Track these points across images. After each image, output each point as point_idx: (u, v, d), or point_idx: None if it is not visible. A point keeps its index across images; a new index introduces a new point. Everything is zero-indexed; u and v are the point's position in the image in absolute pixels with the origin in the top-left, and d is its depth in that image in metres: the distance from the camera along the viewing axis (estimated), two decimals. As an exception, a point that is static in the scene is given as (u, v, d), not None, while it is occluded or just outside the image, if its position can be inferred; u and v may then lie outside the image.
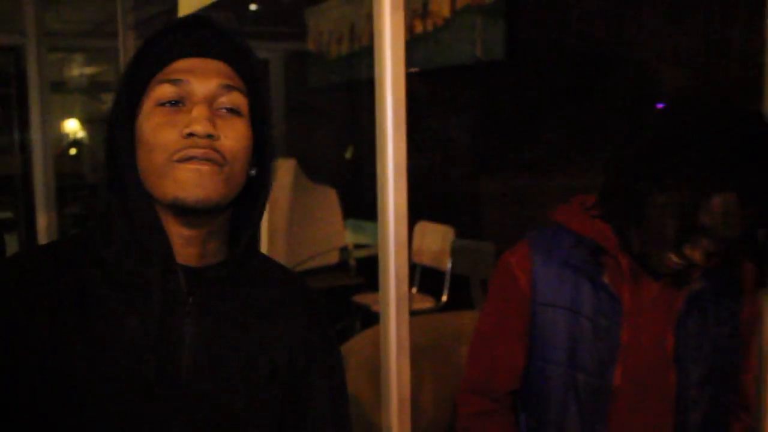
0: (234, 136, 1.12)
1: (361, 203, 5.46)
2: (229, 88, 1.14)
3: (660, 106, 1.67)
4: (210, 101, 1.12)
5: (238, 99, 1.15)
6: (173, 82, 1.12)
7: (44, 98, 5.73)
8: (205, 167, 1.08)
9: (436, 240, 5.13)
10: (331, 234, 5.04)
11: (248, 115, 1.17)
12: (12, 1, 5.71)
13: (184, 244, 1.15)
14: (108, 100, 6.71)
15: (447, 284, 5.03)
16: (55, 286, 1.11)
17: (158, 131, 1.09)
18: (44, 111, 5.75)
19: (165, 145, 1.08)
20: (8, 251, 5.78)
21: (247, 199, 1.20)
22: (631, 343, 1.58)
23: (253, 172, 1.19)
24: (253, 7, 6.43)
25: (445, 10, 5.20)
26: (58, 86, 6.50)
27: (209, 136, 1.08)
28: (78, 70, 6.96)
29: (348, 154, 6.52)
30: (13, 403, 1.08)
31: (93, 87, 6.88)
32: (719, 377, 1.62)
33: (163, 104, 1.11)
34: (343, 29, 6.43)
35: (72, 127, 6.81)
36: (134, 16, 4.57)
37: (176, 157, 1.08)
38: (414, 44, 5.39)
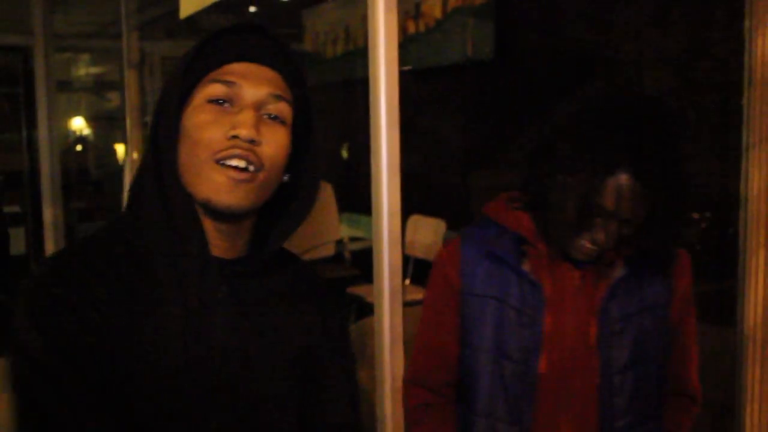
0: (275, 144, 1.13)
1: (357, 198, 5.45)
2: (277, 97, 1.14)
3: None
4: (258, 107, 1.12)
5: (284, 109, 1.15)
6: (226, 83, 1.12)
7: (51, 97, 5.71)
8: (244, 174, 1.09)
9: (429, 233, 5.13)
10: (328, 227, 5.03)
11: (291, 126, 1.17)
12: (21, 4, 5.69)
13: (215, 237, 1.16)
14: (113, 98, 6.70)
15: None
16: (101, 280, 1.10)
17: (204, 128, 1.10)
18: (51, 109, 5.73)
19: (208, 143, 1.09)
20: (16, 244, 5.78)
21: (276, 200, 1.20)
22: (554, 331, 1.57)
23: (286, 178, 1.20)
24: (252, 9, 6.41)
25: (437, 12, 5.20)
26: (65, 85, 6.48)
27: (251, 141, 1.09)
28: (84, 70, 6.93)
29: (344, 152, 6.51)
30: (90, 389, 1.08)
31: (98, 86, 6.86)
32: (642, 363, 1.60)
33: (212, 101, 1.12)
34: (339, 30, 6.41)
35: (78, 124, 6.79)
36: (137, 18, 4.56)
37: (217, 156, 1.09)
38: (407, 44, 5.38)
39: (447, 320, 1.68)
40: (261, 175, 1.12)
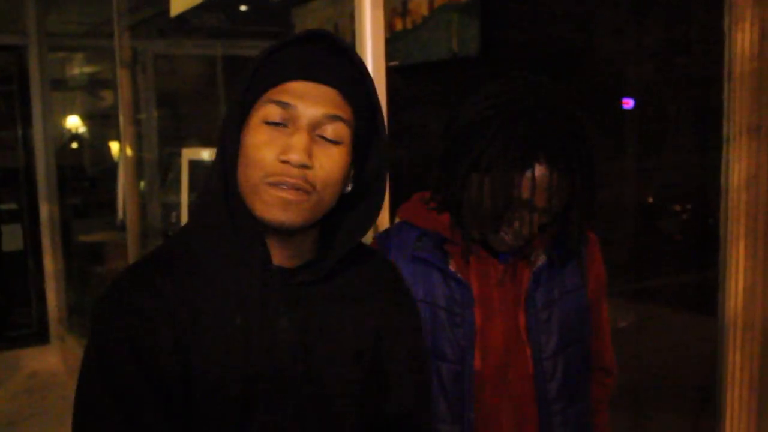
0: (329, 167, 1.11)
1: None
2: (333, 118, 1.12)
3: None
4: (313, 128, 1.11)
5: (341, 129, 1.12)
6: (281, 104, 1.10)
7: (46, 95, 5.69)
8: (292, 196, 1.09)
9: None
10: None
11: (350, 142, 1.15)
12: (15, 4, 5.65)
13: (276, 247, 1.17)
14: (106, 96, 6.66)
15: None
16: (168, 298, 1.12)
17: (258, 149, 1.09)
18: (46, 107, 5.71)
19: (261, 165, 1.09)
20: (14, 241, 5.75)
21: (343, 204, 1.19)
22: (485, 326, 1.56)
23: (348, 188, 1.19)
24: (243, 7, 6.38)
25: (424, 9, 5.19)
26: (59, 84, 6.43)
27: (303, 166, 1.08)
28: (78, 69, 6.89)
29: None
30: (156, 409, 1.11)
31: (92, 84, 6.82)
32: (570, 346, 1.60)
33: (268, 123, 1.10)
34: (328, 28, 6.40)
35: (73, 122, 6.75)
36: (129, 18, 4.53)
37: (269, 180, 1.09)
38: (394, 41, 5.38)
39: None
40: (313, 197, 1.11)
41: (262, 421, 1.14)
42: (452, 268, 1.56)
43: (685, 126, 3.62)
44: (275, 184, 1.08)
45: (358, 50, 1.69)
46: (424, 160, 5.44)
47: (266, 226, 1.12)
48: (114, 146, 6.20)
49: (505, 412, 1.58)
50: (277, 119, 1.10)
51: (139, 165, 4.96)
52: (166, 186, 4.72)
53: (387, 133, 1.21)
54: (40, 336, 5.85)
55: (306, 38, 1.15)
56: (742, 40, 2.16)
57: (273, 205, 1.09)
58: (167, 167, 4.99)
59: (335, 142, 1.12)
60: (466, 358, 1.56)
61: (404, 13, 5.37)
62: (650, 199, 4.03)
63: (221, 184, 1.15)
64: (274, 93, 1.11)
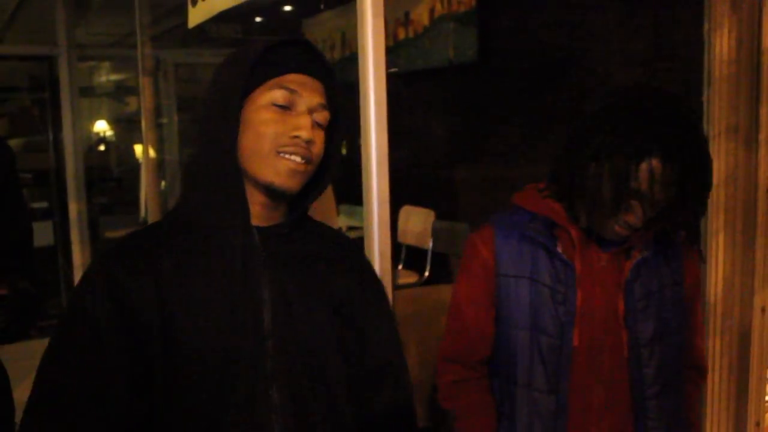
0: (319, 144, 1.25)
1: (354, 190, 5.43)
2: (323, 106, 1.26)
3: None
4: (310, 113, 1.24)
5: (326, 116, 1.27)
6: (290, 90, 1.22)
7: (75, 102, 5.69)
8: (300, 166, 1.21)
9: (419, 222, 5.11)
10: (326, 217, 5.01)
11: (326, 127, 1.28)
12: (46, 17, 5.67)
13: (259, 209, 1.26)
14: (131, 102, 6.67)
15: (429, 261, 5.01)
16: (154, 261, 1.20)
17: (270, 125, 1.20)
18: (75, 113, 5.72)
19: (274, 138, 1.20)
20: (45, 236, 5.76)
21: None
22: (585, 307, 1.56)
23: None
24: (257, 19, 6.39)
25: (425, 19, 5.18)
26: (87, 91, 6.45)
27: (309, 141, 1.21)
28: (104, 77, 6.90)
29: (343, 149, 6.50)
30: (142, 368, 1.18)
31: (117, 91, 6.84)
32: (667, 336, 1.60)
33: (276, 105, 1.22)
34: (336, 37, 6.39)
35: (100, 126, 6.76)
36: (152, 29, 4.54)
37: (280, 149, 1.20)
38: (398, 49, 5.37)
39: (482, 298, 1.66)
40: (310, 167, 1.24)
41: (247, 374, 1.19)
42: (559, 249, 1.58)
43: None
44: (286, 155, 1.20)
45: (360, 56, 1.69)
46: (425, 160, 5.43)
47: (269, 191, 1.23)
48: (138, 149, 6.21)
49: (596, 392, 1.58)
50: (283, 102, 1.22)
51: (160, 166, 4.97)
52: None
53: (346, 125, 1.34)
54: (70, 325, 5.85)
55: (291, 42, 1.26)
56: (720, 45, 2.15)
57: (283, 173, 1.20)
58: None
59: (322, 127, 1.26)
60: (565, 334, 1.56)
61: (407, 22, 5.36)
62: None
63: (209, 154, 1.23)
64: (280, 81, 1.23)
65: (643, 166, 1.42)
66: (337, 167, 1.33)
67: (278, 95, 1.22)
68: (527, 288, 1.60)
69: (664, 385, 1.60)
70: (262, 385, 1.20)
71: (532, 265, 1.60)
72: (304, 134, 1.20)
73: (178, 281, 1.19)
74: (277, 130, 1.20)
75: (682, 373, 1.68)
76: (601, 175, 1.47)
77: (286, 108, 1.22)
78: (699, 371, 1.77)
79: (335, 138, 1.32)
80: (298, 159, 1.20)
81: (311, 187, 1.30)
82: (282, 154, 1.20)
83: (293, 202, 1.32)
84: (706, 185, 1.48)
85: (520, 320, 1.61)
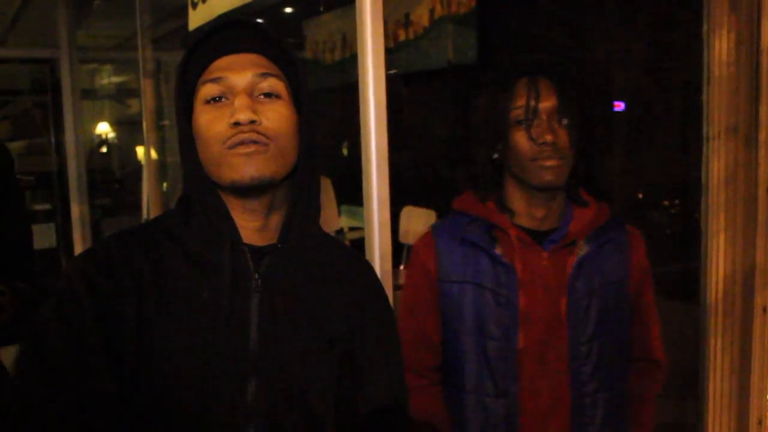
0: (275, 117, 1.10)
1: (355, 191, 5.44)
2: (264, 75, 1.12)
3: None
4: (249, 91, 1.11)
5: (275, 83, 1.12)
6: (214, 80, 1.11)
7: (76, 104, 5.69)
8: (251, 149, 1.07)
9: (420, 222, 5.11)
10: (328, 218, 5.02)
11: (289, 97, 1.14)
12: (48, 20, 5.67)
13: (249, 219, 1.14)
14: (132, 105, 6.68)
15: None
16: (138, 265, 1.10)
17: (209, 126, 1.09)
18: (77, 115, 5.72)
19: (217, 137, 1.08)
20: (48, 238, 5.76)
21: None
22: (528, 308, 1.56)
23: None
24: (258, 21, 6.39)
25: (425, 20, 5.18)
26: (89, 93, 6.46)
27: (252, 122, 1.07)
28: (106, 79, 6.92)
29: (344, 150, 6.49)
30: (115, 371, 1.07)
31: (119, 94, 6.84)
32: (606, 333, 1.59)
33: (209, 101, 1.11)
34: (336, 39, 6.39)
35: (102, 129, 6.77)
36: (153, 32, 4.54)
37: (227, 144, 1.08)
38: (397, 51, 5.37)
39: (427, 307, 1.65)
40: (272, 146, 1.09)
41: (224, 401, 1.09)
42: (498, 252, 1.57)
43: (672, 126, 3.60)
44: (233, 147, 1.07)
45: (359, 58, 1.69)
46: (426, 161, 5.43)
47: (238, 191, 1.11)
48: (139, 150, 6.22)
49: (544, 389, 1.58)
50: (215, 94, 1.11)
51: (162, 168, 4.97)
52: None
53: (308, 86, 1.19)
54: (72, 327, 5.86)
55: (220, 26, 1.15)
56: (719, 46, 2.15)
57: (238, 165, 1.07)
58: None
59: (274, 96, 1.12)
60: (510, 336, 1.56)
61: (407, 24, 5.36)
62: (640, 195, 4.02)
63: (184, 171, 1.15)
64: (206, 74, 1.12)
65: (524, 80, 1.50)
66: (314, 137, 1.18)
67: (206, 90, 1.11)
68: (470, 293, 1.59)
69: (603, 382, 1.59)
70: (241, 421, 1.09)
71: (474, 269, 1.59)
72: (242, 116, 1.07)
73: (159, 299, 1.09)
74: (217, 127, 1.09)
75: (624, 369, 1.67)
76: (485, 110, 1.56)
77: (220, 99, 1.11)
78: (656, 364, 1.75)
79: (301, 104, 1.17)
80: (249, 147, 1.07)
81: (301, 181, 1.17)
82: (232, 149, 1.08)
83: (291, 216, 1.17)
84: (592, 108, 1.53)
85: (465, 325, 1.60)
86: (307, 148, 1.16)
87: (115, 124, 6.80)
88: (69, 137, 5.69)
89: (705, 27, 2.20)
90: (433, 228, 1.67)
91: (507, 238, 1.57)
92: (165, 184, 5.09)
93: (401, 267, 5.24)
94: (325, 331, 1.17)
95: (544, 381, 1.58)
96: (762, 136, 2.17)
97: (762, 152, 2.18)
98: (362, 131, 1.69)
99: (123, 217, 6.08)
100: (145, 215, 4.95)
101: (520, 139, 1.50)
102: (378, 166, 1.68)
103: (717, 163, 2.21)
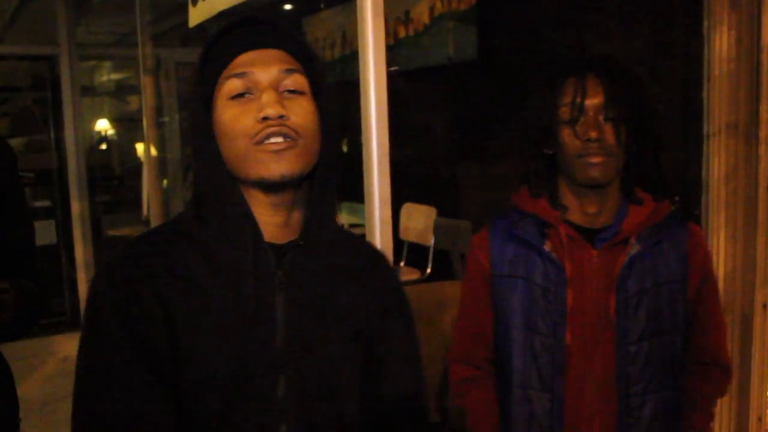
0: (301, 113, 1.10)
1: (356, 188, 5.44)
2: (289, 71, 1.12)
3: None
4: (275, 86, 1.10)
5: (299, 79, 1.12)
6: (239, 75, 1.10)
7: (76, 101, 5.70)
8: (281, 145, 1.07)
9: (421, 219, 5.11)
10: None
11: (311, 93, 1.14)
12: (47, 16, 5.67)
13: (272, 215, 1.14)
14: (132, 101, 6.67)
15: (431, 258, 5.01)
16: (158, 275, 1.10)
17: (236, 120, 1.08)
18: (76, 112, 5.72)
19: (244, 132, 1.08)
20: (48, 235, 5.76)
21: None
22: (576, 306, 1.56)
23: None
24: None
25: (425, 17, 5.17)
26: (88, 90, 6.45)
27: (281, 117, 1.07)
28: (105, 76, 6.91)
29: (344, 147, 6.49)
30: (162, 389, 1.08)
31: (119, 90, 6.83)
32: (658, 335, 1.58)
33: (234, 97, 1.10)
34: (336, 36, 6.38)
35: (102, 125, 6.76)
36: (152, 29, 4.54)
37: (255, 139, 1.07)
38: (398, 47, 5.37)
39: (482, 301, 1.67)
40: (300, 143, 1.09)
41: (255, 401, 1.10)
42: (548, 248, 1.58)
43: (672, 124, 3.60)
44: (262, 141, 1.07)
45: (360, 55, 1.69)
46: (427, 158, 5.43)
47: (265, 187, 1.11)
48: (139, 147, 6.21)
49: (589, 386, 1.58)
50: (240, 89, 1.10)
51: (162, 165, 4.97)
52: (187, 184, 4.74)
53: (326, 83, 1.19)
54: (72, 323, 5.87)
55: (239, 24, 1.15)
56: (720, 43, 2.15)
57: (267, 161, 1.07)
58: (188, 166, 5.00)
59: (299, 92, 1.12)
60: (557, 332, 1.57)
61: (407, 21, 5.35)
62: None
63: (203, 169, 1.14)
64: (229, 69, 1.11)
65: (571, 80, 1.50)
66: (334, 134, 1.18)
67: (230, 86, 1.10)
68: (520, 288, 1.60)
69: (651, 384, 1.58)
70: (273, 416, 1.11)
71: (525, 265, 1.60)
72: (271, 111, 1.06)
73: (184, 304, 1.09)
74: (244, 122, 1.08)
75: (679, 372, 1.65)
76: (535, 109, 1.58)
77: (245, 95, 1.10)
78: (718, 368, 1.71)
79: (322, 101, 1.17)
80: (279, 139, 1.07)
81: (321, 178, 1.16)
82: (260, 144, 1.07)
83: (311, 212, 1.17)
84: (643, 104, 1.52)
85: (514, 320, 1.61)
86: (329, 145, 1.16)
87: (115, 121, 6.79)
88: (69, 134, 5.69)
89: (705, 24, 2.20)
90: (489, 222, 1.69)
91: (557, 235, 1.57)
92: (165, 181, 5.10)
93: (401, 264, 5.25)
94: (348, 325, 1.18)
95: (591, 378, 1.57)
96: (762, 134, 2.18)
97: (762, 149, 2.18)
98: (363, 128, 1.69)
99: (123, 214, 6.07)
100: (145, 212, 4.95)
101: (567, 136, 1.51)
102: (379, 163, 1.68)
103: (717, 160, 2.21)
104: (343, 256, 1.22)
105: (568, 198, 1.60)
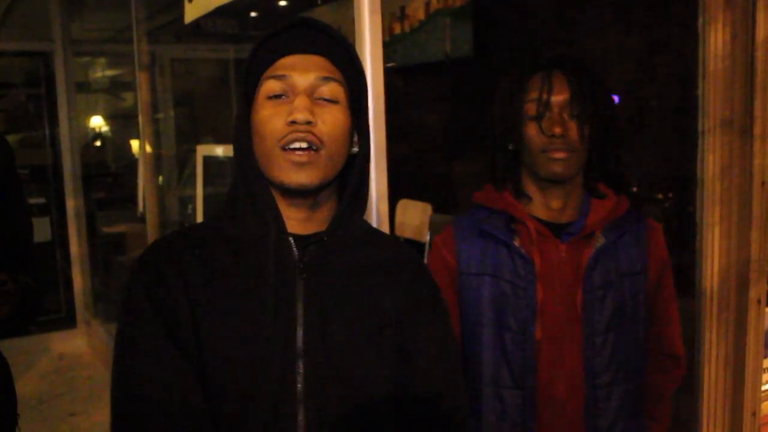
0: (331, 122, 1.13)
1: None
2: (326, 79, 1.15)
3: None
4: (310, 92, 1.14)
5: (335, 88, 1.15)
6: (278, 77, 1.14)
7: (71, 97, 5.69)
8: (304, 158, 1.11)
9: (416, 215, 5.11)
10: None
11: (347, 102, 1.18)
12: (41, 12, 5.65)
13: (294, 212, 1.18)
14: (127, 98, 6.65)
15: (426, 254, 5.00)
16: (186, 256, 1.15)
17: (267, 121, 1.13)
18: (71, 109, 5.72)
19: (272, 133, 1.12)
20: (42, 232, 5.76)
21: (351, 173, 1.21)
22: (546, 300, 1.57)
23: (355, 149, 1.20)
24: (253, 14, 6.38)
25: (421, 14, 5.18)
26: (83, 86, 6.42)
27: (308, 123, 1.11)
28: (100, 72, 6.88)
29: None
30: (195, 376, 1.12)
31: (114, 87, 6.81)
32: (621, 326, 1.60)
33: (271, 98, 1.14)
34: (332, 32, 6.38)
35: (96, 122, 6.75)
36: (148, 25, 4.53)
37: (282, 143, 1.11)
38: (393, 44, 5.37)
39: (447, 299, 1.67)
40: (323, 153, 1.13)
41: (273, 386, 1.12)
42: (516, 243, 1.59)
43: (666, 120, 3.61)
44: (287, 148, 1.11)
45: (357, 52, 1.69)
46: (423, 154, 5.43)
47: (285, 190, 1.15)
48: (134, 144, 6.20)
49: (559, 380, 1.59)
50: (277, 91, 1.14)
51: (157, 161, 4.96)
52: (183, 180, 4.73)
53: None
54: (67, 320, 5.87)
55: (290, 26, 1.19)
56: (714, 39, 2.15)
57: (289, 169, 1.12)
58: (183, 163, 5.00)
59: (333, 101, 1.15)
60: (528, 328, 1.57)
61: (402, 17, 5.36)
62: (635, 188, 4.03)
63: (238, 165, 1.18)
64: (271, 70, 1.16)
65: (538, 75, 1.53)
66: (365, 144, 1.22)
67: (269, 86, 1.14)
68: (489, 285, 1.60)
69: (617, 374, 1.60)
70: (290, 408, 1.12)
71: (493, 261, 1.61)
72: (300, 116, 1.10)
73: (207, 290, 1.13)
74: (275, 123, 1.12)
75: (641, 363, 1.68)
76: (501, 104, 1.60)
77: (281, 96, 1.14)
78: (674, 360, 1.75)
79: (359, 111, 1.21)
80: (303, 145, 1.10)
81: (350, 180, 1.20)
82: (286, 148, 1.11)
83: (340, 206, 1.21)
84: (607, 103, 1.55)
85: (483, 317, 1.61)
86: (363, 150, 1.21)
87: (110, 118, 6.77)
88: (63, 131, 5.69)
89: (700, 20, 2.20)
90: (453, 222, 1.69)
91: (526, 231, 1.59)
92: (160, 178, 5.09)
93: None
94: (374, 319, 1.19)
95: (560, 372, 1.59)
96: (757, 130, 2.18)
97: (757, 146, 2.19)
98: (360, 125, 1.69)
99: (118, 211, 6.06)
100: (140, 209, 4.94)
101: (532, 131, 1.53)
102: (376, 159, 1.69)
103: (712, 156, 2.22)
104: (372, 252, 1.25)
105: (531, 193, 1.62)
